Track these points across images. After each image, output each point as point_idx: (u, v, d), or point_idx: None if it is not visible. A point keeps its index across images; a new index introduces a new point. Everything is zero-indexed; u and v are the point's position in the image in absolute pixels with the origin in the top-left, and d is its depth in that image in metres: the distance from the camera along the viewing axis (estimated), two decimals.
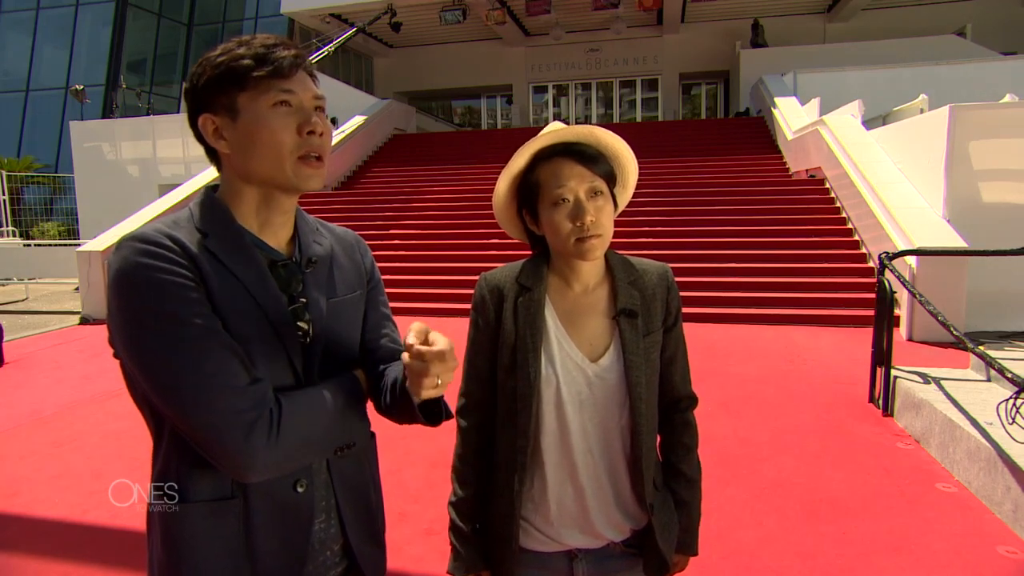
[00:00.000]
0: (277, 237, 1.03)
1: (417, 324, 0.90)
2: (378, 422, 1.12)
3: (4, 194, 14.63)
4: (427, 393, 0.89)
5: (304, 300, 1.02)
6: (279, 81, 0.94)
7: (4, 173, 14.80)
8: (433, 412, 1.03)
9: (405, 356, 0.88)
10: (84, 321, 8.18)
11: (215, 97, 0.94)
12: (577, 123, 1.20)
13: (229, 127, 0.95)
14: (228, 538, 0.94)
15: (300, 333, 1.00)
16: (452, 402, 1.32)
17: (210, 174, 10.82)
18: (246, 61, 0.93)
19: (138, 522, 3.12)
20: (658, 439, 1.30)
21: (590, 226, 1.11)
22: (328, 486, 1.04)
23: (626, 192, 1.27)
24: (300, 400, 0.94)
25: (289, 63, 0.95)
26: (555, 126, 1.17)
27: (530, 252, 1.28)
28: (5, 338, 6.17)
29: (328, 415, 0.97)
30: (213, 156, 1.00)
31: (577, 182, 1.13)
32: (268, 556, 0.96)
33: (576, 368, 1.18)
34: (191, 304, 0.88)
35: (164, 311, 0.87)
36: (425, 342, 0.88)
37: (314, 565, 1.02)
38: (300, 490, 0.99)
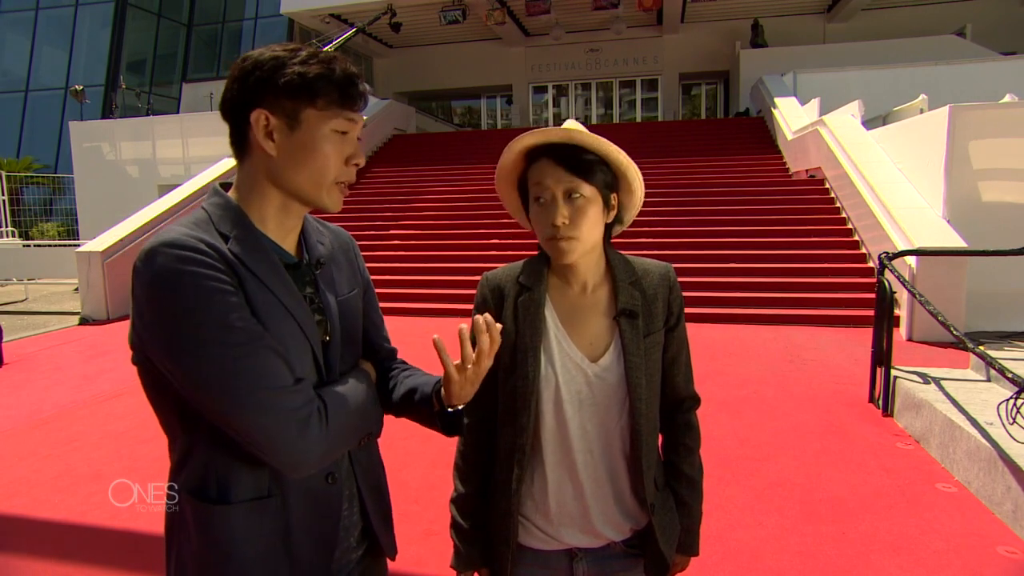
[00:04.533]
0: (288, 239, 1.05)
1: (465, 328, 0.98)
2: None
3: (4, 194, 14.62)
4: (459, 401, 1.03)
5: (317, 301, 1.05)
6: (349, 111, 0.98)
7: (4, 173, 14.79)
8: (454, 422, 1.08)
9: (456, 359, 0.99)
10: (84, 322, 8.18)
11: (280, 99, 0.95)
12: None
13: (284, 132, 0.96)
14: (268, 535, 0.97)
15: (325, 332, 1.04)
16: None
17: (209, 175, 10.82)
18: (328, 84, 0.95)
19: (138, 523, 3.12)
20: (660, 439, 1.30)
21: (561, 227, 1.12)
22: (351, 475, 1.09)
23: (633, 197, 1.23)
24: (338, 394, 0.99)
25: (364, 98, 1.00)
26: (569, 124, 1.16)
27: (529, 252, 1.28)
28: (5, 339, 6.16)
29: (361, 406, 1.02)
30: (241, 149, 1.00)
31: (554, 182, 1.13)
32: (304, 548, 1.00)
33: (576, 368, 1.18)
34: (235, 308, 0.90)
35: (210, 316, 0.88)
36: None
37: (341, 551, 1.07)
38: (331, 482, 1.03)
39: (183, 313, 0.88)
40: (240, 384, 0.88)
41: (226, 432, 0.91)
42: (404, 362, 1.23)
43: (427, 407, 1.07)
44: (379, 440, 1.17)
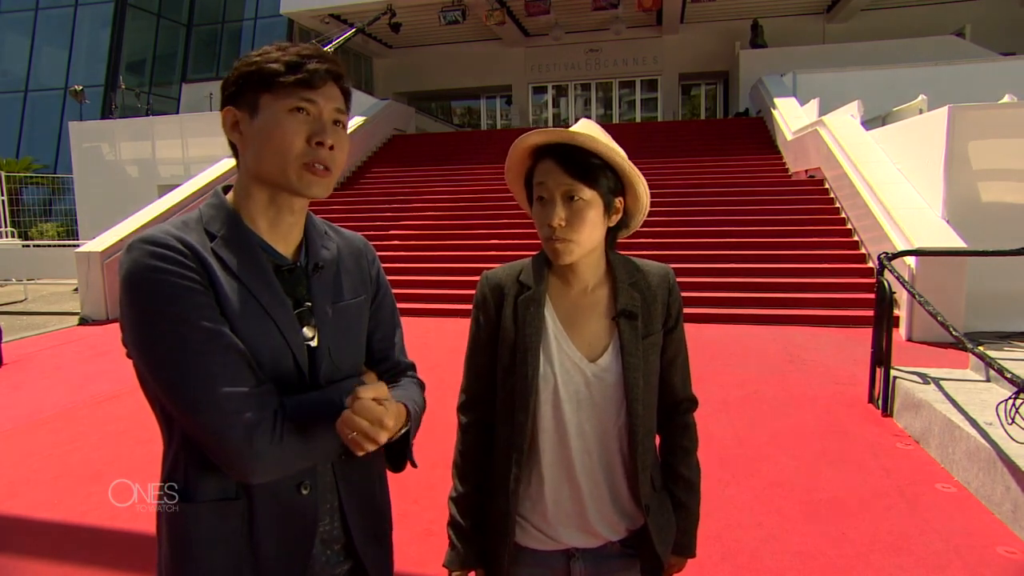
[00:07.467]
0: (286, 240, 1.04)
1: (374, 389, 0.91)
2: None
3: (3, 195, 14.61)
4: (351, 445, 0.90)
5: (309, 304, 1.03)
6: (303, 90, 0.96)
7: (3, 174, 14.78)
8: (397, 457, 1.07)
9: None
10: (83, 322, 8.18)
11: (242, 93, 0.98)
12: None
13: (247, 122, 0.98)
14: (231, 538, 0.95)
15: (306, 338, 1.01)
16: (452, 401, 1.33)
17: (209, 175, 10.82)
18: (277, 65, 0.96)
19: (138, 523, 3.11)
20: (657, 440, 1.29)
21: (558, 229, 1.12)
22: (333, 489, 1.04)
23: (639, 203, 1.22)
24: (304, 404, 0.95)
25: (318, 75, 0.97)
26: (582, 124, 1.16)
27: (529, 253, 1.28)
28: (5, 339, 6.16)
29: (332, 420, 0.96)
30: (235, 151, 1.03)
31: (554, 183, 1.13)
32: (271, 557, 0.97)
33: (574, 368, 1.18)
34: (198, 307, 0.90)
35: (171, 313, 0.88)
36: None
37: (318, 565, 1.03)
38: (304, 492, 0.99)
39: (145, 308, 0.89)
40: (193, 383, 0.87)
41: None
42: (413, 377, 1.18)
43: None
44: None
